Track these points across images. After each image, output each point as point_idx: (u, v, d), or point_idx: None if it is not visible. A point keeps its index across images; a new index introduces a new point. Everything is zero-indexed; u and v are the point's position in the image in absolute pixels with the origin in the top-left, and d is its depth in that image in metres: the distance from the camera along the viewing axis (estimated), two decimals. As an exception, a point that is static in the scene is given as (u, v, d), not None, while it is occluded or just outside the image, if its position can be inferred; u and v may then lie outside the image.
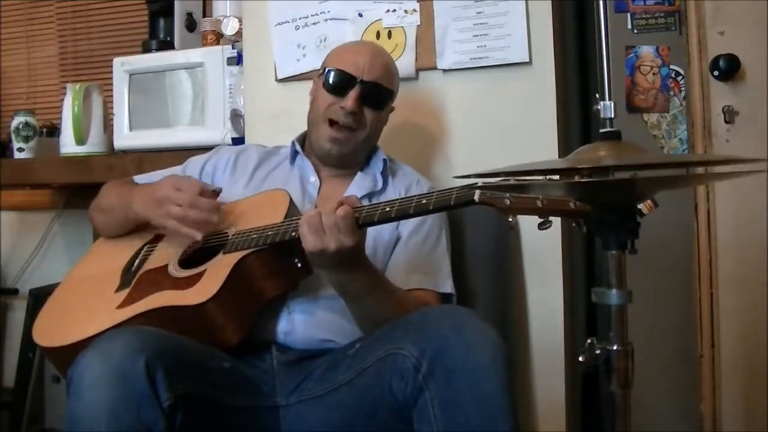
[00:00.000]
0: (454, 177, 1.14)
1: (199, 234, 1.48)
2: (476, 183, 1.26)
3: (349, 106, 1.59)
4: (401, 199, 1.35)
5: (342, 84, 1.61)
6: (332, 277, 1.42)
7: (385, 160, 1.70)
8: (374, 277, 1.44)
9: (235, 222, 1.52)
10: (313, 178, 1.67)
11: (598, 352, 1.02)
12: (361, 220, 1.33)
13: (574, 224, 1.19)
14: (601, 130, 1.05)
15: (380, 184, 1.67)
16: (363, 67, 1.61)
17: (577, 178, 1.01)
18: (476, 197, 1.27)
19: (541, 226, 1.24)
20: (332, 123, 1.62)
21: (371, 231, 1.42)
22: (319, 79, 1.67)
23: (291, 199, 1.51)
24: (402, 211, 1.32)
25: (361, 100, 1.60)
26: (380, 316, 1.40)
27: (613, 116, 1.06)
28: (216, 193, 1.55)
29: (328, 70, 1.63)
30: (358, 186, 1.66)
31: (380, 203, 1.36)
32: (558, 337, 1.81)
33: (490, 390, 1.21)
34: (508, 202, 1.24)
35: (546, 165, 1.02)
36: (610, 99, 1.07)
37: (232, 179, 1.69)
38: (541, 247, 1.79)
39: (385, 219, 1.34)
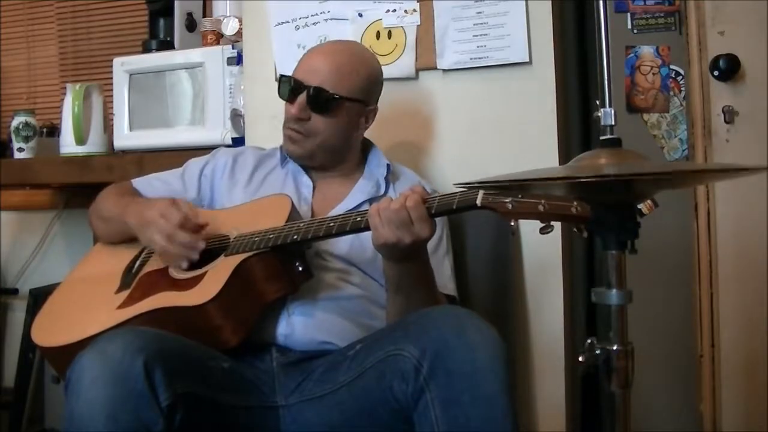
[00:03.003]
0: (454, 184, 1.14)
1: (184, 262, 1.47)
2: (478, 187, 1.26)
3: (293, 111, 1.60)
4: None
5: (289, 91, 1.61)
6: (395, 270, 1.42)
7: (388, 165, 1.70)
8: (430, 269, 1.46)
9: (237, 225, 1.52)
10: (307, 181, 1.67)
11: (598, 352, 1.02)
12: (434, 210, 1.33)
13: (575, 229, 1.19)
14: (602, 137, 1.05)
15: (383, 189, 1.67)
16: (311, 72, 1.60)
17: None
18: (478, 201, 1.27)
19: (543, 231, 1.24)
20: (286, 126, 1.64)
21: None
22: None
23: (293, 204, 1.52)
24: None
25: (308, 106, 1.59)
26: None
27: (613, 123, 1.06)
28: (201, 226, 1.51)
29: (281, 77, 1.64)
30: (360, 190, 1.66)
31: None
32: (558, 337, 1.81)
33: (490, 390, 1.22)
34: (510, 206, 1.24)
35: (546, 173, 1.02)
36: (610, 104, 1.07)
37: (230, 183, 1.69)
38: (542, 246, 1.79)
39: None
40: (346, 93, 1.61)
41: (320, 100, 1.59)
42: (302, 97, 1.59)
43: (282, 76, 1.64)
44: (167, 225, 1.46)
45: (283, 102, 1.64)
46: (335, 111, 1.61)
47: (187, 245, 1.46)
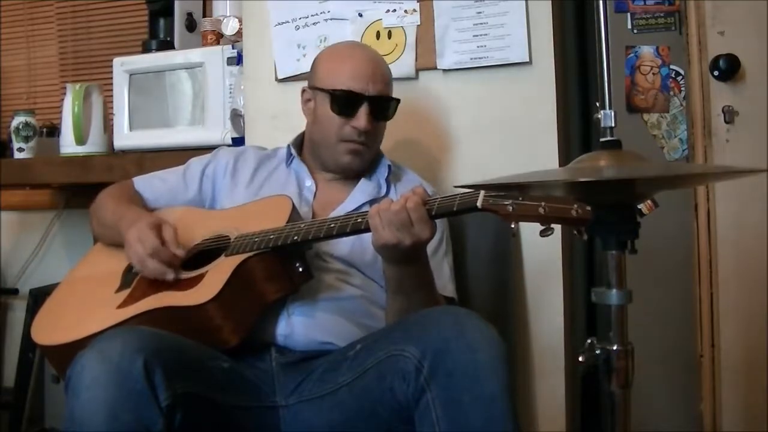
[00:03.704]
0: (455, 186, 1.14)
1: (170, 274, 1.46)
2: (479, 189, 1.26)
3: (363, 125, 1.58)
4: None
5: (350, 104, 1.58)
6: (395, 271, 1.42)
7: (389, 166, 1.70)
8: (430, 271, 1.46)
9: (237, 225, 1.52)
10: (309, 182, 1.67)
11: (598, 352, 1.02)
12: (434, 212, 1.33)
13: (575, 232, 1.19)
14: (602, 140, 1.05)
15: (384, 190, 1.67)
16: (367, 81, 1.58)
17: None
18: (479, 203, 1.27)
19: (543, 233, 1.24)
20: (346, 140, 1.61)
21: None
22: (315, 96, 1.64)
23: (294, 205, 1.52)
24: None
25: (371, 116, 1.59)
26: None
27: (613, 125, 1.06)
28: (176, 256, 1.48)
29: (333, 93, 1.59)
30: (362, 191, 1.66)
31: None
32: (558, 337, 1.81)
33: (491, 390, 1.22)
34: (510, 209, 1.24)
35: (545, 176, 1.02)
36: (610, 105, 1.07)
37: (232, 183, 1.69)
38: (542, 247, 1.79)
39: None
40: (393, 93, 1.66)
41: (385, 107, 1.61)
42: (365, 109, 1.57)
43: (336, 90, 1.58)
44: (141, 250, 1.46)
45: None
46: (391, 114, 1.65)
47: (155, 272, 1.46)
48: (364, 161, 1.65)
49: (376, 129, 1.62)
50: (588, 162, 1.02)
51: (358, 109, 1.58)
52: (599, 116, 1.06)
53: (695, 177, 1.15)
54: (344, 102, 1.58)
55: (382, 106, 1.61)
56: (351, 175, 1.67)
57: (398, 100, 1.65)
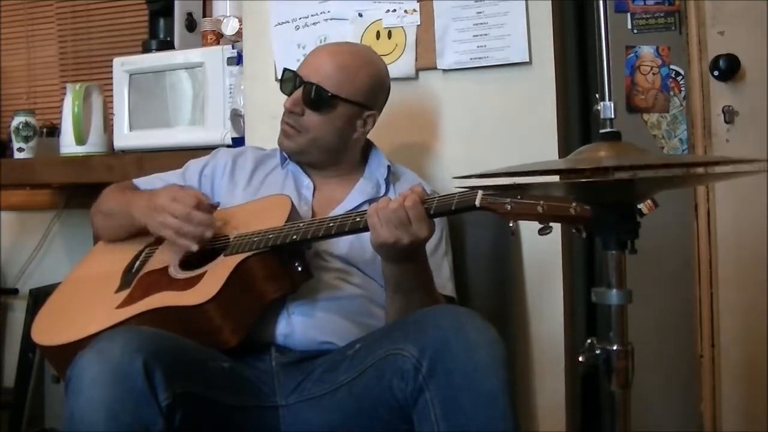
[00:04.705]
0: (453, 177, 1.13)
1: (195, 246, 1.48)
2: (477, 188, 1.26)
3: (287, 104, 1.60)
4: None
5: (288, 83, 1.62)
6: (394, 270, 1.42)
7: (389, 166, 1.69)
8: (429, 270, 1.46)
9: (236, 225, 1.52)
10: (307, 181, 1.67)
11: (598, 352, 1.02)
12: (432, 210, 1.34)
13: (574, 230, 1.19)
14: (601, 131, 1.05)
15: (383, 190, 1.67)
16: (310, 66, 1.61)
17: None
18: (477, 202, 1.27)
19: (542, 232, 1.24)
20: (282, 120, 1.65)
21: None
22: None
23: (293, 204, 1.52)
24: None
25: (302, 102, 1.59)
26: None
27: (613, 116, 1.06)
28: (213, 207, 1.54)
29: (284, 70, 1.64)
30: (360, 191, 1.66)
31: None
32: (558, 337, 1.81)
33: (490, 390, 1.22)
34: (509, 207, 1.24)
35: (546, 166, 1.02)
36: (610, 99, 1.06)
37: (231, 183, 1.69)
38: (542, 246, 1.79)
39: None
40: (344, 94, 1.60)
41: (315, 98, 1.58)
42: (298, 92, 1.59)
43: (286, 69, 1.64)
44: (181, 206, 1.47)
45: (283, 103, 1.64)
46: (329, 110, 1.60)
47: (204, 223, 1.47)
48: (296, 146, 1.63)
49: (306, 118, 1.60)
50: (587, 153, 1.02)
51: (293, 91, 1.60)
52: (599, 107, 1.06)
53: (695, 177, 1.15)
54: (283, 79, 1.63)
55: (314, 94, 1.58)
56: (313, 165, 1.67)
57: (336, 96, 1.59)
